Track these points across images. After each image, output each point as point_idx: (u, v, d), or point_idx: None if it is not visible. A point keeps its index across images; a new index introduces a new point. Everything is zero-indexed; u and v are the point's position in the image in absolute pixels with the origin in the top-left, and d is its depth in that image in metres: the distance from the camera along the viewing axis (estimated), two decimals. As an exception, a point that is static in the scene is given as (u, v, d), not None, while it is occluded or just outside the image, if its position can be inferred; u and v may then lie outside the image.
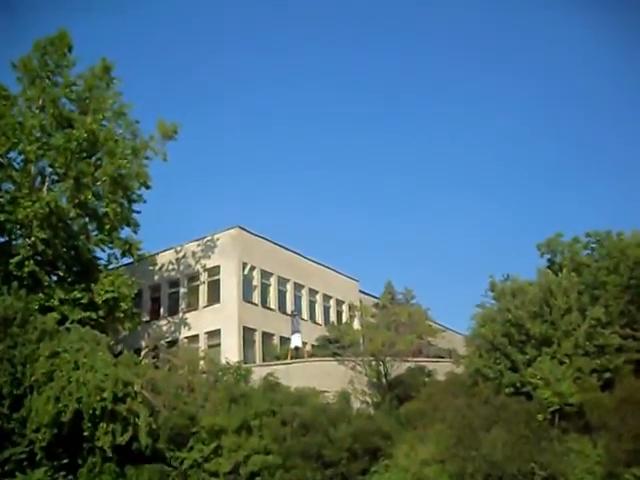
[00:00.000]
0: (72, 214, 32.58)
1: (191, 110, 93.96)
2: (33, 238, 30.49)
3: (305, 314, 40.23)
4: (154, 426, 21.52)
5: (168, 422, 22.39)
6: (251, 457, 21.51)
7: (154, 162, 35.58)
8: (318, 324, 40.58)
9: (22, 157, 32.62)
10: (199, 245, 38.73)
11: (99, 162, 33.92)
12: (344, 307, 43.29)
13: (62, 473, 20.25)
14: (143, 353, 34.95)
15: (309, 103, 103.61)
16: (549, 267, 28.87)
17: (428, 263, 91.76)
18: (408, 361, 30.31)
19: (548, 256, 30.09)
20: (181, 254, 39.21)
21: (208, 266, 38.12)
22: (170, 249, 39.86)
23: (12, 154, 32.57)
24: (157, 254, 39.48)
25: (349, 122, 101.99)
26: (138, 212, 35.66)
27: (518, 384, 24.20)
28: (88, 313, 30.55)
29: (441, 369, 30.21)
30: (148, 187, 35.38)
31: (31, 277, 30.24)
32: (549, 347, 24.42)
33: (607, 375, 24.15)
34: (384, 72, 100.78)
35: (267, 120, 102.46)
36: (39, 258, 30.98)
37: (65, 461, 20.51)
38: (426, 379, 29.54)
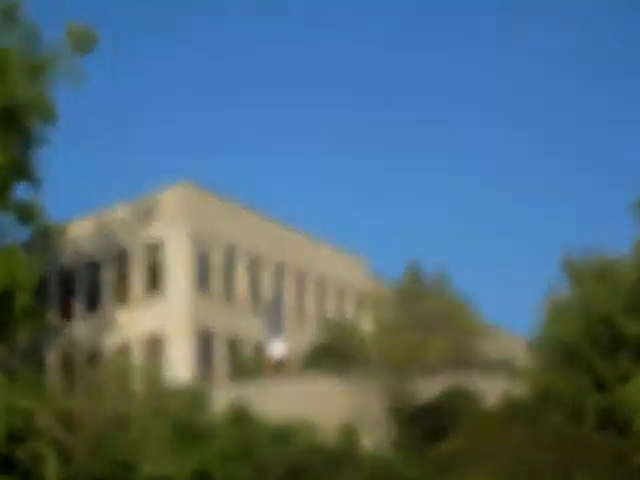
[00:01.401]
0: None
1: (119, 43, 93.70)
2: None
3: (291, 308, 40.24)
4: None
5: (88, 471, 22.35)
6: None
7: (63, 91, 35.17)
8: (309, 322, 40.59)
9: None
10: (132, 209, 38.54)
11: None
12: (347, 296, 43.32)
13: None
14: (51, 370, 34.92)
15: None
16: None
17: (466, 238, 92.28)
18: (442, 377, 30.35)
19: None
20: (105, 223, 39.07)
21: (146, 240, 37.98)
22: (89, 216, 39.70)
23: None
24: (70, 223, 39.23)
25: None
26: (39, 160, 35.32)
27: (606, 409, 24.27)
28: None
29: (491, 389, 30.17)
30: (54, 123, 34.98)
31: None
32: (652, 355, 24.52)
33: None
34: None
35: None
36: None
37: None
38: (469, 404, 29.60)
